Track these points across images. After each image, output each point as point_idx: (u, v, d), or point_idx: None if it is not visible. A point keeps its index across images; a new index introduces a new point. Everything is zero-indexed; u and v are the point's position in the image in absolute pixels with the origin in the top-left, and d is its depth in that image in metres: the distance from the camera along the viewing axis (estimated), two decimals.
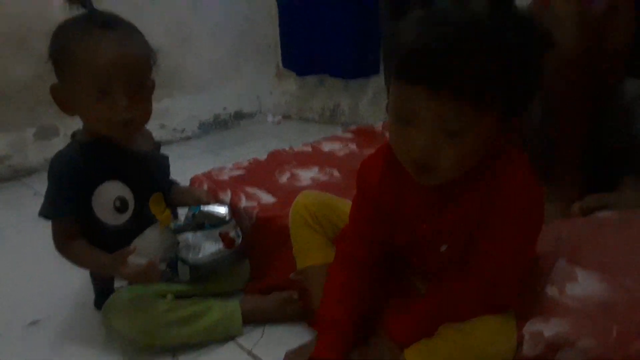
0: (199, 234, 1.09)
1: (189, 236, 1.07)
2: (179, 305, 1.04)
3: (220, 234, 1.11)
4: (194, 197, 1.18)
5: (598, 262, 0.84)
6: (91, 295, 1.17)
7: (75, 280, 1.26)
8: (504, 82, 0.65)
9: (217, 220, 1.12)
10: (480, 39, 0.63)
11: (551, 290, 0.80)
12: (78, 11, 0.99)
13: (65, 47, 0.97)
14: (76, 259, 1.05)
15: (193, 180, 1.47)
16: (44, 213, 1.03)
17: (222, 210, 1.14)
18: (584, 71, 1.01)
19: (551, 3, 1.01)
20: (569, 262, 0.85)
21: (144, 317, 1.00)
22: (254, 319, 1.09)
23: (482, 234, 0.75)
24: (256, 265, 1.23)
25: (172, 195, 1.19)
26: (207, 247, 1.09)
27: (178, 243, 1.07)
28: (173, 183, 1.23)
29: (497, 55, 0.63)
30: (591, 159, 1.10)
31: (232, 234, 1.12)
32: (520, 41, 0.64)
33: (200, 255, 1.08)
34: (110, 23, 0.99)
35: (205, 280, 1.12)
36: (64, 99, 1.01)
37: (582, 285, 0.79)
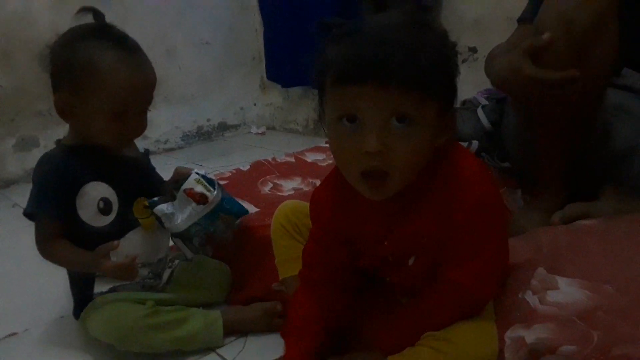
0: (173, 203, 1.09)
1: (163, 207, 1.07)
2: (159, 311, 1.02)
3: (185, 193, 1.09)
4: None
5: (579, 269, 0.84)
6: (69, 308, 1.14)
7: (53, 293, 1.24)
8: (441, 72, 0.70)
9: (181, 183, 1.11)
10: (413, 37, 0.68)
11: (532, 297, 0.80)
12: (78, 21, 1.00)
13: (83, 61, 0.97)
14: (58, 259, 1.04)
15: None
16: (28, 213, 1.03)
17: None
18: (567, 86, 1.02)
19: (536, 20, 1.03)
20: (549, 270, 0.85)
21: (122, 321, 0.99)
22: (235, 329, 1.07)
23: (448, 240, 0.76)
24: (238, 276, 1.22)
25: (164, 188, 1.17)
26: (183, 211, 1.09)
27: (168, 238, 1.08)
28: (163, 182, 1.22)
29: (430, 50, 0.68)
30: (572, 169, 1.11)
31: (196, 188, 1.10)
32: (439, 41, 0.72)
33: (178, 221, 1.08)
34: (127, 43, 1.00)
35: (212, 249, 1.16)
36: (69, 109, 1.01)
37: (563, 292, 0.79)
